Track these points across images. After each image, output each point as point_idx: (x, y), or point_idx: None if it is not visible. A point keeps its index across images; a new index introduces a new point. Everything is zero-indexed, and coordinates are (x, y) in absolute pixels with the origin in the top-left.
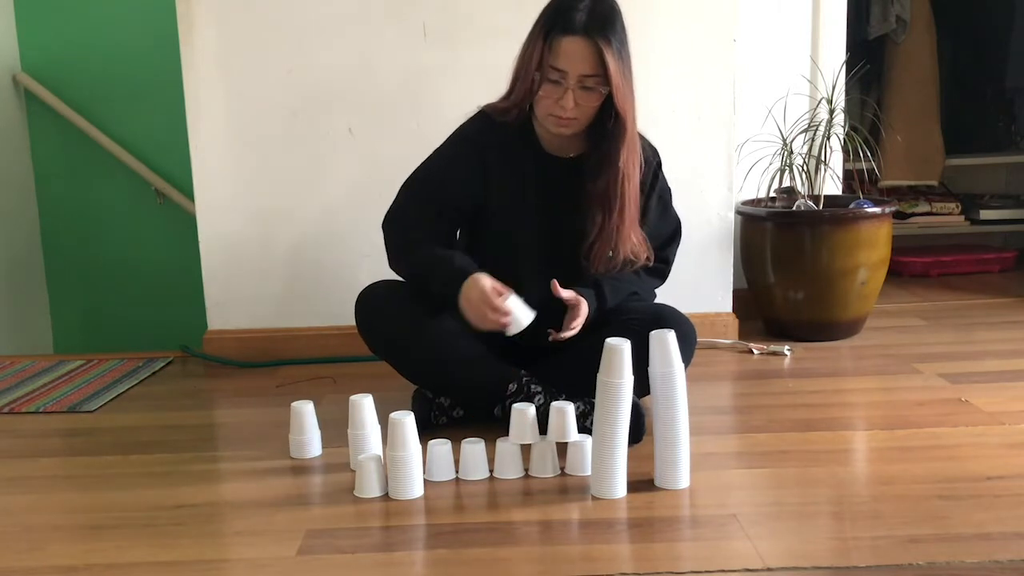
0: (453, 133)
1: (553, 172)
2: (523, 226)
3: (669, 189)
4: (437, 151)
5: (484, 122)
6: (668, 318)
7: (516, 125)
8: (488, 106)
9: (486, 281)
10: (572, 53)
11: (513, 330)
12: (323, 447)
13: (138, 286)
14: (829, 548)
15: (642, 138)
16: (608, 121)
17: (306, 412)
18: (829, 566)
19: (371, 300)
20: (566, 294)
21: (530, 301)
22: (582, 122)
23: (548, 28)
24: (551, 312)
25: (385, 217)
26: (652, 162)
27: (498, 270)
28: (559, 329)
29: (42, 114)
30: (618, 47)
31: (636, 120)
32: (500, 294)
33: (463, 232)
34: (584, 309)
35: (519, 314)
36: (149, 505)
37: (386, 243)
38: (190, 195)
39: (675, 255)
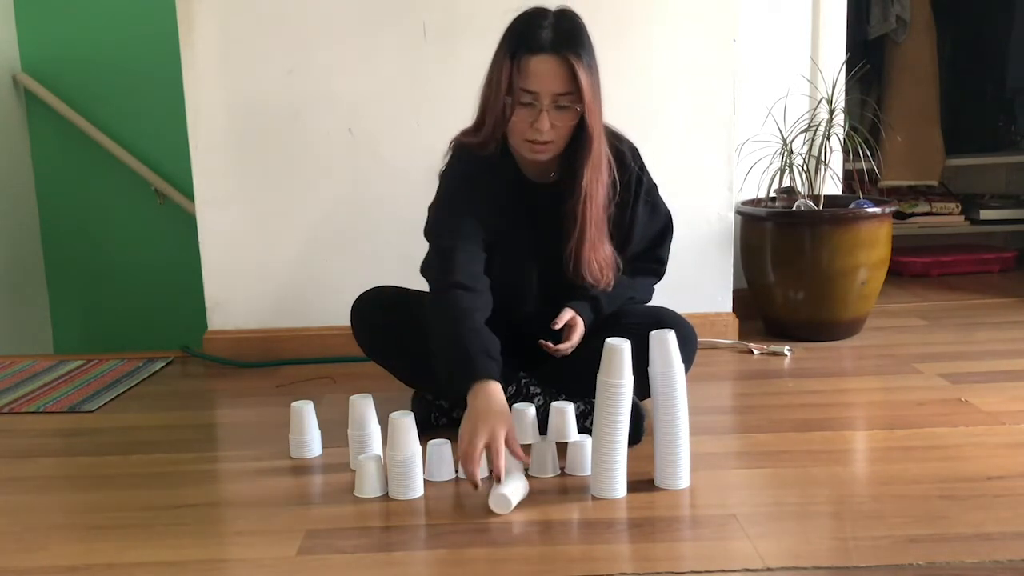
0: (447, 174)
1: (538, 199)
2: (520, 256)
3: (655, 185)
4: (444, 197)
5: (470, 158)
6: (668, 321)
7: (497, 158)
8: (461, 141)
9: (503, 432)
10: (543, 72)
11: (494, 500)
12: (323, 447)
13: (138, 286)
14: (829, 548)
15: (620, 139)
16: (579, 141)
17: (306, 412)
18: (829, 566)
19: (366, 305)
20: (564, 317)
21: (532, 327)
22: (559, 144)
23: (514, 50)
24: (551, 326)
25: (422, 266)
26: (632, 166)
27: (498, 295)
28: (556, 342)
29: (42, 114)
30: (588, 61)
31: (603, 138)
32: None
33: None
34: (581, 328)
35: (512, 490)
36: (149, 505)
37: (430, 291)
38: (190, 195)
39: (669, 252)
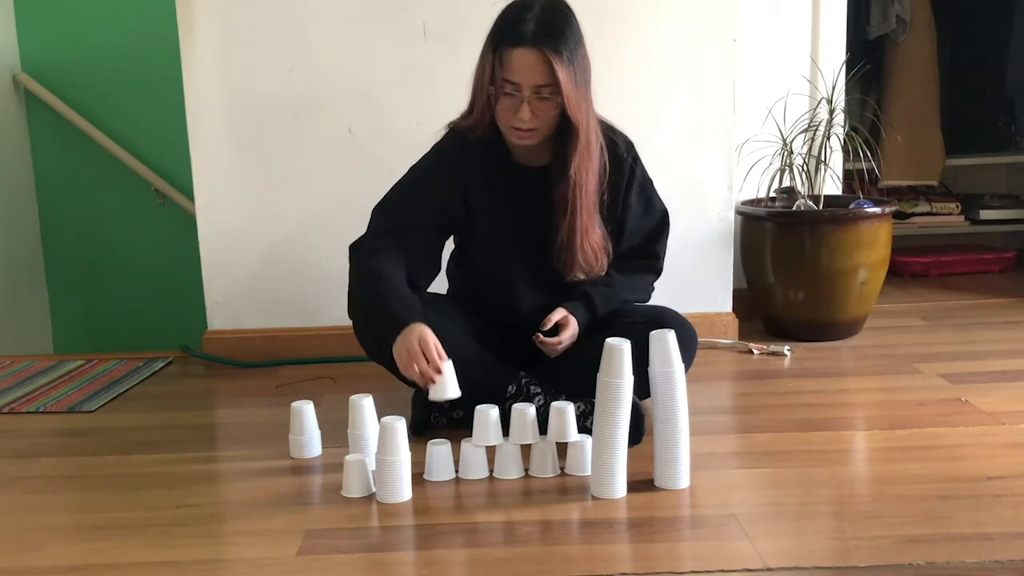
0: (430, 152)
1: (528, 182)
2: (508, 238)
3: (650, 180)
4: (414, 168)
5: (459, 140)
6: (669, 321)
7: (487, 140)
8: (455, 124)
9: (430, 334)
10: (522, 65)
11: (436, 394)
12: (323, 447)
13: (138, 286)
14: (829, 548)
15: (614, 131)
16: (566, 130)
17: (306, 412)
18: (829, 566)
19: None
20: (556, 316)
21: (521, 310)
22: (543, 131)
23: (497, 41)
24: (540, 327)
25: (356, 240)
26: (627, 157)
27: (489, 281)
28: (548, 335)
29: (42, 114)
30: (568, 56)
31: (591, 126)
32: (440, 356)
33: (455, 244)
34: (574, 327)
35: (449, 381)
36: (149, 505)
37: (350, 261)
38: (190, 195)
39: (665, 248)
